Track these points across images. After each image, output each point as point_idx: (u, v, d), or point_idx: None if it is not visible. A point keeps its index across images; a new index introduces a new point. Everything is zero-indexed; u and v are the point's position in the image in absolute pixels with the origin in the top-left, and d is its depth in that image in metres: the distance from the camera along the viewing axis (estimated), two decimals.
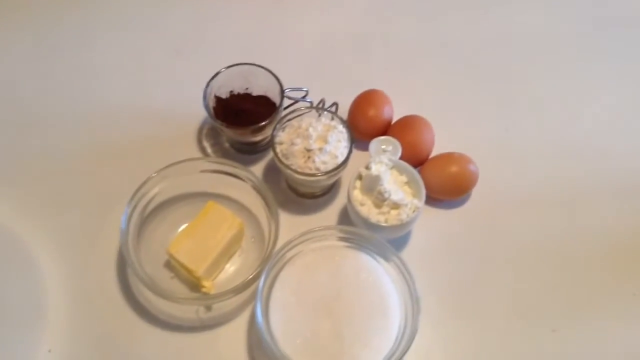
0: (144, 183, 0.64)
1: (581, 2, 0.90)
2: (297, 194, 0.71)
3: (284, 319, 0.59)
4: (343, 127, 0.67)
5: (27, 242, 0.67)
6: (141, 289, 0.64)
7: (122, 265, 0.66)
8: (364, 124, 0.72)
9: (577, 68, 0.84)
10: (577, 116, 0.79)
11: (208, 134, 0.75)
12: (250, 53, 0.76)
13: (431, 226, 0.70)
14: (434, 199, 0.70)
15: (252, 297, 0.63)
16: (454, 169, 0.69)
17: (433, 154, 0.72)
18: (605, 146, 0.77)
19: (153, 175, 0.65)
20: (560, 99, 0.81)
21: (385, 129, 0.73)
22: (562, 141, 0.77)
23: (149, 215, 0.67)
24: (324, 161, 0.64)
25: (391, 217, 0.62)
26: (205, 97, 0.68)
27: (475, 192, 0.72)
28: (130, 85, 0.80)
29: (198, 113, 0.69)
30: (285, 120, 0.67)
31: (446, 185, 0.69)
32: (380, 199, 0.62)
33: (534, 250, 0.69)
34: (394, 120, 0.74)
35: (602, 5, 0.90)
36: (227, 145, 0.74)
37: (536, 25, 0.88)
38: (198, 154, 0.74)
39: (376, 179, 0.62)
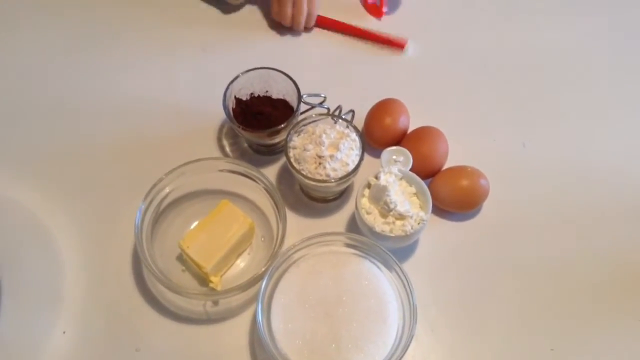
0: (160, 180, 0.67)
1: (605, 18, 0.89)
2: (309, 197, 0.73)
3: (284, 319, 0.61)
4: (356, 135, 0.68)
5: (48, 227, 0.70)
6: (153, 280, 0.67)
7: (137, 256, 0.69)
8: (379, 132, 0.73)
9: (600, 85, 0.83)
10: (596, 135, 0.78)
11: (227, 133, 0.77)
12: (274, 57, 0.78)
13: (438, 237, 0.70)
14: (443, 210, 0.71)
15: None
16: (464, 182, 0.69)
17: (446, 166, 0.72)
18: (622, 168, 0.76)
19: (166, 174, 0.67)
20: (580, 117, 0.80)
21: (400, 139, 0.74)
22: (578, 161, 0.76)
23: (165, 210, 0.70)
24: (334, 168, 0.65)
25: (396, 228, 0.64)
26: (225, 99, 0.70)
27: (486, 207, 0.72)
28: (156, 81, 0.83)
29: (219, 112, 0.71)
30: (301, 125, 0.69)
31: (456, 199, 0.70)
32: (386, 209, 0.63)
33: (538, 269, 0.69)
34: (410, 130, 0.74)
35: (627, 22, 0.89)
36: (245, 145, 0.77)
37: (560, 41, 0.87)
38: (217, 153, 0.76)
39: (383, 189, 0.63)
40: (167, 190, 0.68)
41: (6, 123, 0.79)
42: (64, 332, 0.65)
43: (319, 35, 0.87)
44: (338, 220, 0.72)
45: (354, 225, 0.70)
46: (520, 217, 0.72)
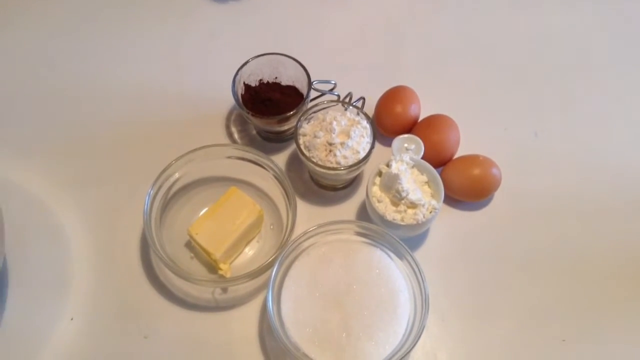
0: (168, 166, 0.66)
1: (619, 6, 0.88)
2: (319, 185, 0.72)
3: (295, 307, 0.60)
4: (367, 122, 0.67)
5: (56, 213, 0.70)
6: (161, 267, 0.67)
7: (145, 242, 0.68)
8: (390, 120, 0.72)
9: (614, 76, 0.82)
10: (610, 125, 0.77)
11: (236, 120, 0.77)
12: (284, 41, 0.77)
13: (449, 226, 0.70)
14: (454, 199, 0.70)
15: (267, 283, 0.64)
16: (476, 171, 0.68)
17: (458, 154, 0.72)
18: (636, 160, 0.75)
19: (175, 160, 0.66)
20: (594, 107, 0.79)
21: (411, 127, 0.73)
22: (592, 150, 0.75)
23: (173, 197, 0.69)
24: (345, 156, 0.64)
25: (407, 216, 0.63)
26: (234, 85, 0.69)
27: (497, 196, 0.71)
28: (164, 67, 0.82)
29: (228, 98, 0.71)
30: (311, 111, 0.68)
31: (467, 188, 0.69)
32: (397, 198, 0.63)
33: (550, 259, 0.68)
34: (421, 118, 0.73)
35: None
36: (254, 132, 0.76)
37: (574, 29, 0.86)
38: (225, 139, 0.75)
39: (395, 177, 0.62)
40: (175, 176, 0.68)
41: (14, 109, 0.78)
42: (72, 319, 0.64)
43: (330, 19, 0.86)
44: (347, 209, 0.71)
45: (364, 214, 0.69)
46: (532, 206, 0.71)
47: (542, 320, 0.65)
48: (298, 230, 0.64)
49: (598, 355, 0.63)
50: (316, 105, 0.68)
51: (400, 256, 0.62)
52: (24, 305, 0.65)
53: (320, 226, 0.63)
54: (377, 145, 0.68)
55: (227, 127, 0.76)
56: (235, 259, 0.67)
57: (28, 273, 0.66)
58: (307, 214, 0.70)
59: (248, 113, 0.69)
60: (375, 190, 0.65)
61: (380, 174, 0.65)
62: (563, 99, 0.80)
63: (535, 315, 0.65)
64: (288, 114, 0.68)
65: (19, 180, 0.72)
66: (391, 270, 0.62)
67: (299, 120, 0.67)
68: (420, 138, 0.67)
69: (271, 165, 0.67)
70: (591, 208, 0.71)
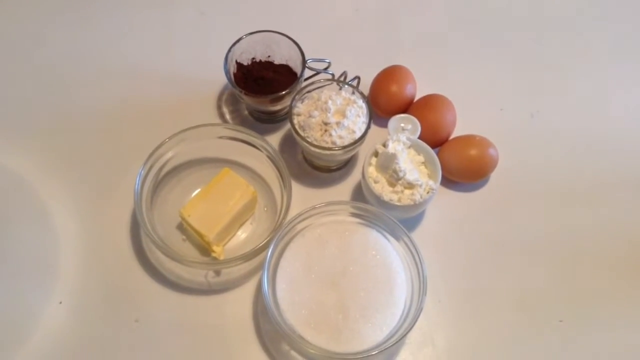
0: (160, 146, 0.64)
1: None
2: (313, 166, 0.71)
3: (290, 289, 0.59)
4: (363, 102, 0.66)
5: (43, 196, 0.68)
6: (152, 249, 0.65)
7: (136, 224, 0.67)
8: (385, 100, 0.71)
9: (613, 58, 0.81)
10: (607, 108, 0.77)
11: (228, 99, 0.75)
12: (276, 20, 0.75)
13: (446, 208, 0.69)
14: (450, 180, 0.69)
15: (261, 265, 0.63)
16: (473, 152, 0.68)
17: (454, 135, 0.71)
18: (634, 137, 0.74)
19: (168, 139, 0.65)
20: (592, 88, 0.78)
21: (407, 107, 0.72)
22: (589, 132, 0.75)
23: (164, 178, 0.68)
24: (340, 135, 0.63)
25: (404, 197, 0.62)
26: (226, 63, 0.68)
27: (494, 177, 0.71)
28: (154, 46, 0.80)
29: (219, 78, 0.69)
30: (305, 91, 0.66)
31: (464, 168, 0.68)
32: (394, 178, 0.62)
33: (546, 240, 0.68)
34: (417, 98, 0.72)
35: None
36: (245, 112, 0.74)
37: (572, 9, 0.85)
38: (216, 120, 0.74)
39: (392, 157, 0.61)
40: (167, 156, 0.66)
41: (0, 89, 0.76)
42: (60, 302, 0.63)
43: None
44: (342, 190, 0.70)
45: (359, 195, 0.68)
46: (529, 187, 0.70)
47: (539, 301, 0.64)
48: (291, 212, 0.63)
49: (595, 336, 0.63)
50: (311, 84, 0.67)
51: (397, 237, 0.62)
52: (12, 290, 0.63)
53: (315, 207, 0.61)
54: (372, 126, 0.66)
55: (219, 108, 0.74)
56: (228, 241, 0.66)
57: (16, 257, 0.65)
58: (301, 196, 0.68)
59: (241, 92, 0.67)
60: (372, 170, 0.64)
61: (376, 154, 0.64)
62: (560, 79, 0.79)
63: (532, 296, 0.65)
64: (281, 93, 0.67)
65: (4, 161, 0.70)
66: (387, 252, 0.61)
67: (293, 99, 0.66)
68: (417, 118, 0.66)
69: (265, 145, 0.66)
70: (589, 188, 0.71)
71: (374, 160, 0.64)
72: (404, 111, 0.71)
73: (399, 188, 0.62)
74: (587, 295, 0.65)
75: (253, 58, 0.71)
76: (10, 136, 0.72)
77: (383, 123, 0.68)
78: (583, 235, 0.68)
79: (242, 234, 0.67)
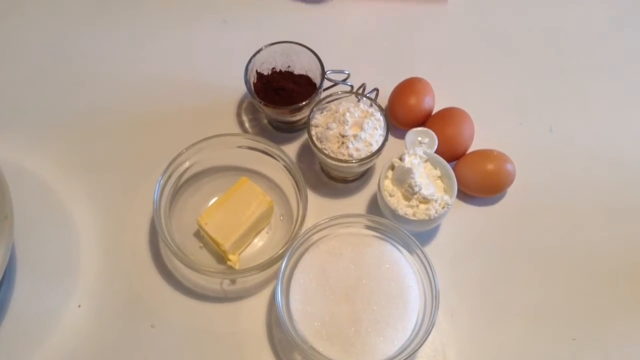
0: (179, 155, 0.65)
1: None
2: (330, 177, 0.71)
3: (303, 300, 0.60)
4: (380, 114, 0.66)
5: (64, 199, 0.69)
6: (170, 256, 0.66)
7: (154, 230, 0.68)
8: (404, 112, 0.71)
9: (631, 70, 0.80)
10: (628, 123, 0.76)
11: (247, 108, 0.76)
12: (297, 30, 0.76)
13: (461, 222, 0.69)
14: (467, 195, 0.69)
15: (276, 275, 0.64)
16: (490, 166, 0.67)
17: (472, 149, 0.71)
18: None
19: (186, 149, 0.66)
20: (611, 102, 0.77)
21: (425, 119, 0.72)
22: (607, 145, 0.74)
23: (183, 185, 0.69)
24: (357, 148, 0.63)
25: (419, 211, 0.62)
26: (246, 73, 0.68)
27: (511, 192, 0.70)
28: (175, 53, 0.81)
29: (239, 87, 0.70)
30: (324, 102, 0.67)
31: (481, 183, 0.68)
32: (410, 192, 0.62)
33: (562, 257, 0.67)
34: (435, 111, 0.72)
35: None
36: (265, 122, 0.75)
37: (590, 21, 0.84)
38: (236, 128, 0.74)
39: (408, 172, 0.62)
40: (186, 165, 0.67)
41: (27, 95, 0.77)
42: (79, 306, 0.64)
43: (345, 8, 0.84)
44: (358, 202, 0.70)
45: (374, 207, 0.69)
46: (546, 203, 0.70)
47: (552, 319, 0.64)
48: (307, 222, 0.63)
49: (608, 355, 0.62)
50: (329, 95, 0.67)
51: (411, 251, 0.62)
52: (32, 292, 0.65)
53: (331, 219, 0.62)
54: (390, 137, 0.67)
55: (239, 116, 0.75)
56: (244, 249, 0.67)
57: (36, 259, 0.66)
58: (317, 206, 0.69)
59: (260, 102, 0.68)
60: (387, 184, 0.64)
61: (392, 167, 0.64)
62: (579, 93, 0.78)
63: (545, 313, 0.64)
64: (301, 104, 0.67)
65: (29, 165, 0.71)
66: (401, 266, 0.62)
67: (311, 111, 0.66)
68: (434, 131, 0.66)
69: (282, 155, 0.66)
70: (606, 205, 0.70)
71: (390, 173, 0.65)
72: (422, 123, 0.71)
73: (414, 202, 0.62)
74: (602, 314, 0.64)
75: (273, 68, 0.72)
76: (35, 142, 0.74)
77: (401, 134, 0.68)
78: (600, 252, 0.67)
79: (258, 242, 0.68)
